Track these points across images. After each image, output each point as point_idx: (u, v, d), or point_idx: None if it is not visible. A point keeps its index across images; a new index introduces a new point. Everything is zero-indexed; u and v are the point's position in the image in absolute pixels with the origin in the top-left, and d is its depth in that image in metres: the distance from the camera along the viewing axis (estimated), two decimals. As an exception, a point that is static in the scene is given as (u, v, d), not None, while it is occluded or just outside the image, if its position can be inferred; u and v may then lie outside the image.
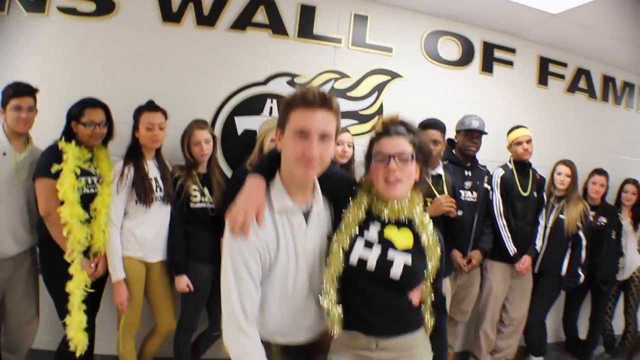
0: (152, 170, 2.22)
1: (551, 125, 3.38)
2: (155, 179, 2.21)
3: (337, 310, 1.21)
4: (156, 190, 2.18)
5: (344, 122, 2.82)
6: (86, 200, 2.02)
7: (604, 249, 3.11)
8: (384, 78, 2.89)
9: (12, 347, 2.16)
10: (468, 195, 2.69)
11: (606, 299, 3.30)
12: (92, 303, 2.06)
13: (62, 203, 1.94)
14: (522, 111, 3.23)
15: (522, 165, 2.88)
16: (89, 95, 2.15)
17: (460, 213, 2.40)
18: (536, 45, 3.32)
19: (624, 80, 3.69)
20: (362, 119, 2.86)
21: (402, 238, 1.26)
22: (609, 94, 3.62)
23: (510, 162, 2.91)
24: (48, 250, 2.03)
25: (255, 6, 2.72)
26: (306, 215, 1.23)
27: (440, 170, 2.47)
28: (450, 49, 3.08)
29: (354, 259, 1.22)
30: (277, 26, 2.74)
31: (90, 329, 2.04)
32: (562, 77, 3.43)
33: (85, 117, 2.04)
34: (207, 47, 2.66)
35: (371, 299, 1.24)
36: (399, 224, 1.28)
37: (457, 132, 2.72)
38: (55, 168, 1.94)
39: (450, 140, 2.75)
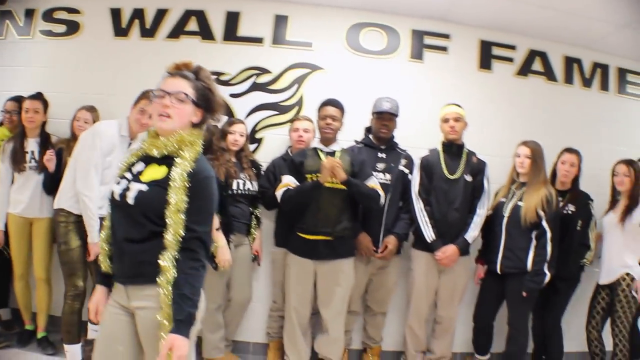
0: (30, 145, 2.76)
1: (501, 110, 3.29)
2: (32, 152, 2.74)
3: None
4: (30, 161, 2.72)
5: (264, 113, 3.10)
6: None
7: (566, 242, 2.71)
8: (303, 71, 3.12)
9: None
10: (380, 178, 2.64)
11: (564, 300, 2.82)
12: None
13: None
14: (462, 96, 3.18)
15: (452, 147, 2.72)
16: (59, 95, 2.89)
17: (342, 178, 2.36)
18: (476, 29, 3.28)
19: (593, 61, 3.44)
20: (282, 109, 3.11)
21: (151, 173, 1.37)
22: (573, 76, 3.40)
23: (439, 143, 2.77)
24: None
25: (188, 17, 3.16)
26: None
27: (336, 147, 2.54)
28: (375, 40, 3.20)
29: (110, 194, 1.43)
30: (206, 32, 3.15)
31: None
32: (510, 60, 3.32)
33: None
34: (149, 55, 3.14)
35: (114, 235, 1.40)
36: (160, 162, 1.38)
37: (372, 115, 2.75)
38: None
39: (368, 127, 2.86)
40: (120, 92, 3.01)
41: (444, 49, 3.26)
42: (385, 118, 2.69)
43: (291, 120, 2.96)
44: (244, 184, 2.66)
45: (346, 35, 3.18)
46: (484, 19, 3.21)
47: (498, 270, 2.66)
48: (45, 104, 2.82)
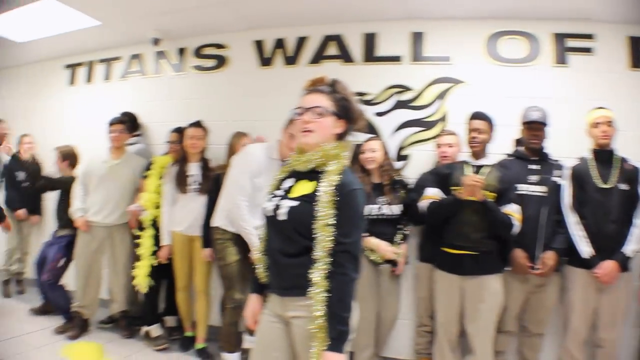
0: (192, 169, 3.06)
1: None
2: (194, 176, 3.04)
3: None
4: (192, 184, 3.03)
5: (409, 130, 3.19)
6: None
7: None
8: (445, 86, 3.15)
9: None
10: (533, 189, 2.56)
11: None
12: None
13: None
14: (612, 100, 3.06)
15: (603, 154, 2.54)
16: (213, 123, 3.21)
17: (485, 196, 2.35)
18: (623, 26, 3.12)
19: None
20: (426, 125, 3.16)
21: (301, 188, 1.44)
22: None
23: (589, 151, 2.61)
24: None
25: (327, 42, 3.34)
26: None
27: (485, 161, 2.51)
28: (515, 48, 3.14)
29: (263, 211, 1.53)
30: (345, 55, 3.31)
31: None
32: (663, 55, 3.12)
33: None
34: (293, 81, 3.34)
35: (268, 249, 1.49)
36: (309, 177, 1.44)
37: (521, 125, 2.69)
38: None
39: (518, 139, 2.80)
40: (269, 117, 3.25)
41: (588, 50, 3.13)
42: (534, 128, 2.61)
43: (436, 136, 3.02)
44: (379, 209, 2.66)
45: (485, 45, 3.16)
46: (632, 14, 3.05)
47: None
48: (205, 131, 3.11)
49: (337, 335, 1.30)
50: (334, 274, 1.32)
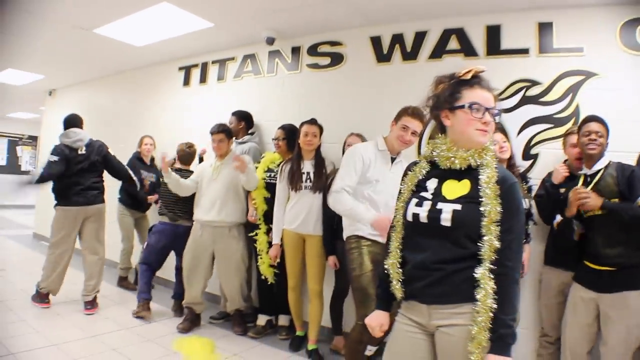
0: (306, 166, 3.09)
1: None
2: (308, 173, 3.06)
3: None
4: (305, 181, 3.05)
5: (537, 127, 3.14)
6: (270, 187, 3.33)
7: None
8: (577, 79, 3.02)
9: None
10: None
11: None
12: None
13: None
14: None
15: None
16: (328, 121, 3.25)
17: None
18: None
19: None
20: (556, 122, 3.06)
21: (454, 189, 1.38)
22: None
23: None
24: None
25: (448, 36, 3.31)
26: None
27: (600, 166, 2.38)
28: (654, 35, 3.00)
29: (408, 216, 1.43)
30: (468, 49, 3.26)
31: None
32: None
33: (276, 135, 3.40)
34: (411, 78, 3.39)
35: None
36: (458, 176, 1.40)
37: None
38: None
39: None
40: (385, 115, 3.26)
41: None
42: None
43: (565, 134, 2.90)
44: None
45: (619, 33, 3.02)
46: None
47: None
48: (321, 129, 3.17)
49: (504, 339, 1.24)
50: (500, 275, 1.27)
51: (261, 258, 3.36)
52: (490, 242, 1.27)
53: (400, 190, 1.52)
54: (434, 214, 1.34)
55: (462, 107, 1.38)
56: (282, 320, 3.51)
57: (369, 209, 2.42)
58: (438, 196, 1.39)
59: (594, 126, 2.43)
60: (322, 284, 3.13)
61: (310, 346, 3.11)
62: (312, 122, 3.14)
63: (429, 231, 1.36)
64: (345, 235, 2.61)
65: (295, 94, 3.83)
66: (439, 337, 1.35)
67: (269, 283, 3.36)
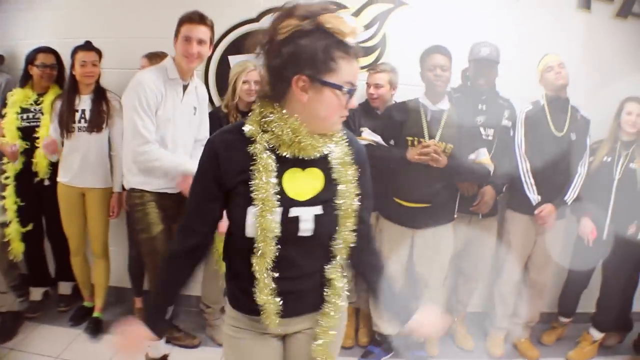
0: (83, 103, 2.43)
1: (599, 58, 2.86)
2: (83, 111, 2.41)
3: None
4: (79, 121, 2.38)
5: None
6: (27, 132, 2.49)
7: None
8: (385, 7, 2.70)
9: None
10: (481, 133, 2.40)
11: None
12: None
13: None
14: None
15: (558, 101, 2.46)
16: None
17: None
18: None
19: None
20: (363, 51, 2.66)
21: (306, 185, 1.07)
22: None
23: (542, 97, 2.49)
24: None
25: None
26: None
27: (444, 105, 2.22)
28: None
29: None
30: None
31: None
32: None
33: (37, 61, 2.47)
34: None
35: None
36: (303, 165, 1.06)
37: (469, 62, 2.44)
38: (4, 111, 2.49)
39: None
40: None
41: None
42: (484, 66, 2.37)
43: (368, 69, 2.56)
44: None
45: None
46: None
47: (605, 236, 2.51)
48: (100, 54, 2.48)
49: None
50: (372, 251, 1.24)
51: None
52: (346, 234, 1.08)
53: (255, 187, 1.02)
54: (288, 223, 1.03)
55: (339, 87, 0.96)
56: (63, 288, 2.91)
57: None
58: (291, 200, 1.03)
59: (439, 59, 2.16)
60: (107, 243, 2.67)
61: (96, 314, 2.66)
62: (89, 47, 2.46)
63: (289, 244, 1.05)
64: (126, 185, 2.20)
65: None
66: (292, 341, 1.22)
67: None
